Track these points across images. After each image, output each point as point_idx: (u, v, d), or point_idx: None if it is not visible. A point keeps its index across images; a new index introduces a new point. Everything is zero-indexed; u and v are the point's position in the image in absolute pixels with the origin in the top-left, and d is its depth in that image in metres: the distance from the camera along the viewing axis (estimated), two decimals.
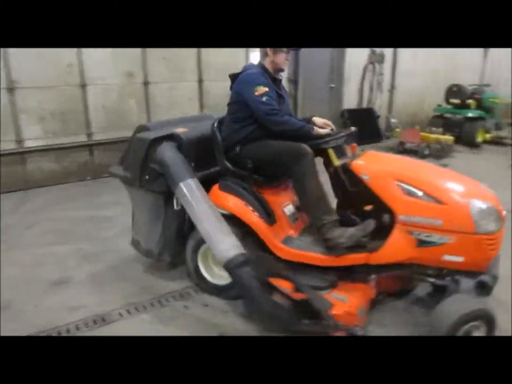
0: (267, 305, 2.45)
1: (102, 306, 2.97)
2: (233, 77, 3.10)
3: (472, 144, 8.19)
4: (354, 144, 2.93)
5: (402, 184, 2.52)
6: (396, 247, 2.53)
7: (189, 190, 2.79)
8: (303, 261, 2.76)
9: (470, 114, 8.21)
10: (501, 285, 2.60)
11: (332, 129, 3.00)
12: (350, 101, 8.54)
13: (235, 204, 2.90)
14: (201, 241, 2.93)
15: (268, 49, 2.95)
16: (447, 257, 2.43)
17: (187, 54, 6.51)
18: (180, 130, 3.13)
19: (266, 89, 2.86)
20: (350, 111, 8.42)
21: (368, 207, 2.93)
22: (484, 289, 2.43)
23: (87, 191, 5.58)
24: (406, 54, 8.91)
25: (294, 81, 7.75)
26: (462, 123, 8.26)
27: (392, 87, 9.05)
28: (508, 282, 3.04)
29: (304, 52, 7.62)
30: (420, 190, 2.48)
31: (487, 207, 2.40)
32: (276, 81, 3.08)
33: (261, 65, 3.05)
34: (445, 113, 8.56)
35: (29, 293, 3.16)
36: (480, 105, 8.46)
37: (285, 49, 2.94)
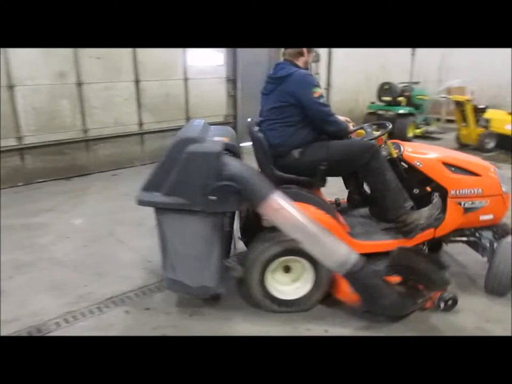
0: (394, 298, 2.64)
1: (37, 317, 2.85)
2: (277, 79, 2.89)
3: (403, 139, 8.61)
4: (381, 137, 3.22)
5: (448, 166, 3.04)
6: (452, 218, 3.03)
7: (284, 201, 2.50)
8: (377, 251, 2.88)
9: (401, 111, 8.63)
10: None
11: (353, 125, 3.20)
12: None
13: (315, 212, 2.74)
14: (270, 260, 2.78)
15: (305, 49, 2.91)
16: (482, 217, 3.09)
17: (122, 54, 6.36)
18: (225, 139, 2.79)
19: (321, 90, 2.86)
20: None
21: (427, 189, 3.18)
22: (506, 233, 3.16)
23: (18, 198, 5.30)
24: (339, 53, 9.20)
25: (233, 80, 7.77)
26: (394, 119, 8.66)
27: (328, 85, 9.31)
28: None
29: (241, 50, 7.67)
30: (462, 168, 3.06)
31: (502, 174, 3.19)
32: None
33: (296, 65, 2.92)
34: (378, 110, 8.93)
35: None
36: (410, 102, 8.92)
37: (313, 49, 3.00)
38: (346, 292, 2.74)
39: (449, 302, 2.75)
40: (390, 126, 3.13)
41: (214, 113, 7.62)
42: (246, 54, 7.79)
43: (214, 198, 2.53)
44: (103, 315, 2.89)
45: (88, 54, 6.02)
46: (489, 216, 3.10)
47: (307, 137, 2.92)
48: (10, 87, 5.49)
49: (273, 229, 2.64)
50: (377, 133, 3.21)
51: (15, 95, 5.54)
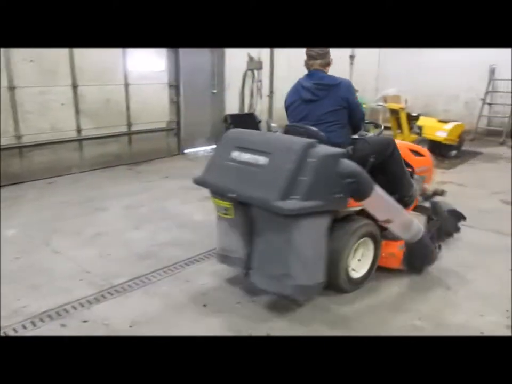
0: (434, 252, 3.58)
1: None
2: (329, 86, 3.22)
3: None
4: None
5: (412, 151, 3.95)
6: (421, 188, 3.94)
7: (380, 189, 2.98)
8: None
9: None
10: None
11: None
12: (232, 106, 8.75)
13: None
14: (354, 242, 3.16)
15: (332, 58, 3.41)
16: (425, 185, 4.04)
17: (58, 57, 6.12)
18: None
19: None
20: (233, 116, 8.62)
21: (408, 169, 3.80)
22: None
23: None
24: (281, 61, 9.39)
25: (175, 86, 7.70)
26: None
27: (271, 93, 9.46)
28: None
29: (183, 56, 7.63)
30: (417, 152, 4.03)
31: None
32: None
33: (326, 73, 3.39)
34: None
35: None
36: None
37: None
38: (394, 260, 3.45)
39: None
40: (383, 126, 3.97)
41: (156, 119, 7.51)
42: (188, 59, 7.76)
43: (341, 195, 2.77)
44: (37, 329, 2.75)
45: (21, 57, 5.75)
46: (426, 185, 4.08)
47: (350, 135, 3.38)
48: None
49: (348, 218, 3.14)
50: (377, 130, 4.02)
51: None
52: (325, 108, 3.20)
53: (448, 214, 4.11)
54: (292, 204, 2.58)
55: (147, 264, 3.64)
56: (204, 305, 3.04)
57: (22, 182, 5.95)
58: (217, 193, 3.01)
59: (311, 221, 2.70)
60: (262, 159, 2.78)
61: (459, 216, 4.24)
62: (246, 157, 2.89)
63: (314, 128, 3.12)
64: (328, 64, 3.38)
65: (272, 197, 2.59)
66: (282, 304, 3.06)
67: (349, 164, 2.78)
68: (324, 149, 2.76)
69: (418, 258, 3.45)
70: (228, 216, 3.00)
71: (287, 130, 3.35)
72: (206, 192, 5.51)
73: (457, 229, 4.22)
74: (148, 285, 3.33)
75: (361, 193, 2.86)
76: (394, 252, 3.44)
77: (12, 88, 5.75)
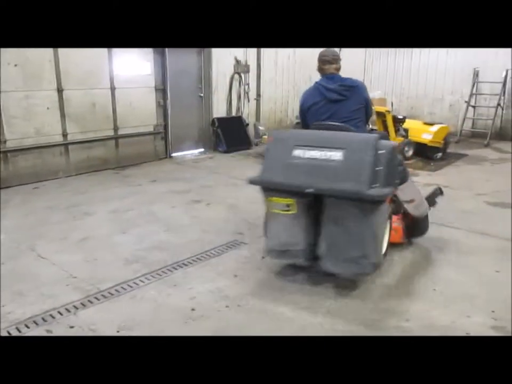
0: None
1: None
2: (351, 87, 3.60)
3: None
4: None
5: None
6: None
7: None
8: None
9: None
10: None
11: None
12: (219, 109, 8.75)
13: None
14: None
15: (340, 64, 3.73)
16: None
17: (42, 61, 6.07)
18: None
19: None
20: (220, 120, 8.63)
21: None
22: None
23: None
24: (267, 64, 9.43)
25: (162, 90, 7.68)
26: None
27: (258, 96, 9.49)
28: None
29: (170, 60, 7.62)
30: None
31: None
32: None
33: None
34: None
35: None
36: None
37: None
38: (397, 235, 3.82)
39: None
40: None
41: (143, 122, 7.48)
42: (174, 63, 7.75)
43: (397, 181, 3.20)
44: (23, 336, 2.72)
45: (6, 61, 5.69)
46: None
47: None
48: None
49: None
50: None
51: None
52: (351, 106, 3.57)
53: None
54: (378, 191, 2.89)
55: (134, 269, 3.62)
56: (192, 309, 3.03)
57: (7, 187, 5.88)
58: (281, 191, 3.12)
59: (384, 205, 3.08)
60: (335, 154, 2.98)
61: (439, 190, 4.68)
62: (314, 153, 3.05)
63: (347, 125, 3.42)
64: (340, 67, 3.73)
65: (362, 187, 2.85)
66: (270, 308, 3.07)
67: (398, 154, 3.29)
68: (386, 142, 3.16)
69: (420, 230, 4.04)
70: (290, 212, 3.13)
71: (316, 128, 3.47)
72: (192, 195, 5.54)
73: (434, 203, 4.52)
74: (135, 289, 3.30)
75: (405, 178, 3.44)
76: (395, 228, 3.79)
77: None
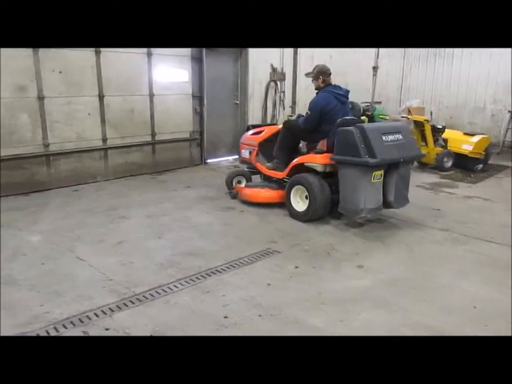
0: None
1: None
2: (347, 93, 5.32)
3: None
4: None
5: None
6: None
7: None
8: None
9: None
10: None
11: None
12: (254, 116, 8.79)
13: None
14: None
15: None
16: None
17: (85, 68, 6.27)
18: None
19: None
20: (255, 127, 8.63)
21: None
22: None
23: None
24: (303, 71, 9.38)
25: (199, 97, 7.79)
26: None
27: (294, 103, 9.48)
28: None
29: (207, 67, 7.72)
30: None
31: None
32: None
33: None
34: None
35: None
36: (372, 121, 9.16)
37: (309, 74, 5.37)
38: None
39: None
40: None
41: (179, 129, 7.60)
42: (211, 71, 7.85)
43: None
44: (60, 336, 2.78)
45: (50, 68, 5.91)
46: None
47: None
48: None
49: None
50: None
51: None
52: (347, 109, 5.23)
53: None
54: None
55: (168, 274, 3.65)
56: (225, 317, 3.03)
57: (48, 189, 6.08)
58: (383, 165, 4.55)
59: None
60: (399, 136, 4.75)
61: None
62: (391, 137, 4.67)
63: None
64: None
65: (419, 152, 5.36)
66: (302, 319, 3.03)
67: None
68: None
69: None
70: (379, 180, 4.62)
71: (343, 123, 4.73)
72: (226, 202, 5.55)
73: None
74: (169, 294, 3.33)
75: None
76: None
77: (41, 98, 5.91)
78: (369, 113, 9.15)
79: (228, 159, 8.58)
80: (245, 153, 6.03)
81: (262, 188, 5.60)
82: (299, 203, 5.09)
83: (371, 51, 10.93)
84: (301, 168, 5.14)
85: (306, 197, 4.97)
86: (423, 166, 8.10)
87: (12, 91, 5.66)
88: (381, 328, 2.93)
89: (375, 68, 11.16)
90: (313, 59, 9.55)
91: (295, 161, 5.23)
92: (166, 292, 3.37)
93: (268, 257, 4.06)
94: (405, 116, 9.00)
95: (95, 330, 2.85)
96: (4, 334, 2.76)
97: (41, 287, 3.39)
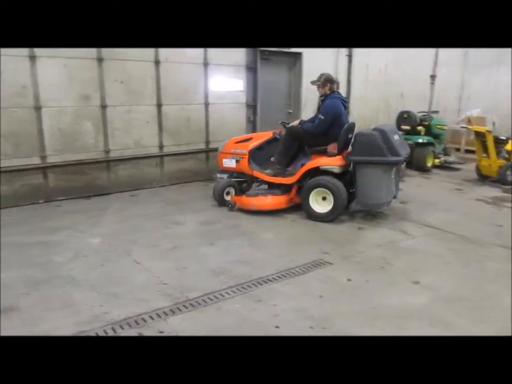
0: None
1: (52, 335, 2.85)
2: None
3: (422, 169, 8.57)
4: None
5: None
6: None
7: None
8: None
9: (420, 140, 8.60)
10: None
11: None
12: None
13: None
14: None
15: None
16: None
17: (145, 78, 6.52)
18: None
19: None
20: None
21: None
22: None
23: (37, 215, 5.39)
24: (358, 80, 9.29)
25: (253, 106, 7.88)
26: (412, 148, 8.62)
27: (347, 113, 9.34)
28: None
29: (261, 77, 7.79)
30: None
31: None
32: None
33: None
34: None
35: None
36: (429, 132, 8.89)
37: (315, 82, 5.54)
38: None
39: None
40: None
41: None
42: (266, 80, 7.91)
43: None
44: (117, 336, 2.88)
45: (113, 78, 6.20)
46: None
47: None
48: (38, 108, 5.67)
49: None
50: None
51: (42, 116, 5.71)
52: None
53: None
54: None
55: (220, 280, 3.70)
56: (276, 327, 3.02)
57: (108, 194, 6.35)
58: (399, 162, 5.12)
59: None
60: (397, 137, 5.31)
61: None
62: (396, 137, 5.23)
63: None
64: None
65: (409, 151, 5.69)
66: (354, 333, 2.96)
67: None
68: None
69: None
70: (394, 176, 5.16)
71: (350, 127, 5.51)
72: (277, 211, 5.55)
73: None
74: (221, 301, 3.37)
75: None
76: None
77: (103, 107, 6.20)
78: (426, 123, 8.90)
79: None
80: (230, 162, 5.90)
81: (265, 195, 5.58)
82: (318, 205, 5.28)
83: (429, 59, 10.61)
84: (314, 171, 5.36)
85: (323, 198, 5.28)
86: (484, 179, 7.74)
87: (77, 100, 5.98)
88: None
89: (432, 77, 10.82)
90: (368, 67, 9.43)
91: (309, 164, 5.38)
92: (218, 298, 3.41)
93: (319, 268, 4.02)
94: (464, 126, 8.66)
95: (149, 333, 2.93)
96: (66, 332, 2.90)
97: (101, 288, 3.53)
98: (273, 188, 5.69)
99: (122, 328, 2.97)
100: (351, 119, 9.44)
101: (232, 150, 5.88)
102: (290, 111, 8.59)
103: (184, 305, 3.29)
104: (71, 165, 6.08)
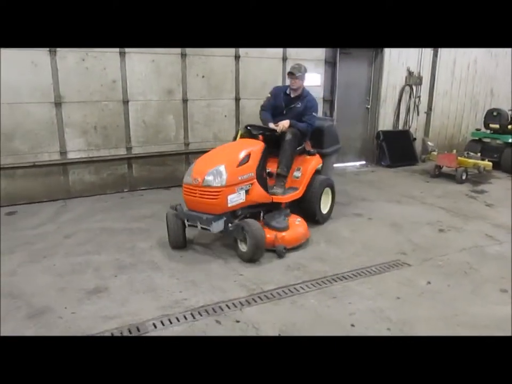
0: None
1: (137, 316, 3.03)
2: None
3: (511, 171, 7.97)
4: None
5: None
6: None
7: None
8: None
9: (510, 140, 8.00)
10: None
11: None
12: (385, 122, 8.50)
13: None
14: None
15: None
16: None
17: (225, 73, 6.67)
18: None
19: (269, 95, 5.04)
20: (386, 133, 8.37)
21: None
22: None
23: (123, 203, 5.73)
24: (443, 76, 8.82)
25: (330, 101, 7.77)
26: (501, 148, 8.05)
27: (430, 109, 8.94)
28: None
29: (340, 72, 7.66)
30: None
31: None
32: (287, 96, 4.91)
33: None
34: (484, 137, 8.37)
35: (64, 300, 3.25)
36: None
37: (288, 74, 4.85)
38: None
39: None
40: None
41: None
42: (345, 74, 7.77)
43: None
44: (196, 322, 2.99)
45: (195, 73, 6.40)
46: None
47: None
48: (125, 102, 6.00)
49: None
50: None
51: (128, 109, 6.04)
52: None
53: None
54: None
55: (295, 275, 3.70)
56: (352, 325, 2.97)
57: None
58: None
59: None
60: None
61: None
62: None
63: None
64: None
65: None
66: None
67: None
68: None
69: None
70: None
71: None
72: (353, 209, 5.45)
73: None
74: (295, 295, 3.38)
75: None
76: None
77: (185, 101, 6.43)
78: None
79: (354, 165, 8.43)
80: (238, 197, 4.03)
81: (286, 219, 4.31)
82: (322, 205, 5.02)
83: None
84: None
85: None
86: None
87: (161, 94, 6.25)
88: None
89: None
90: (454, 63, 8.92)
91: (312, 168, 4.91)
92: (292, 292, 3.42)
93: (397, 269, 3.89)
94: None
95: (226, 321, 3.00)
96: (149, 316, 3.06)
97: (180, 275, 3.67)
98: (278, 208, 4.52)
99: (201, 315, 3.07)
100: (434, 116, 9.13)
101: (239, 178, 4.04)
102: (368, 106, 8.37)
103: (259, 297, 3.34)
104: (154, 156, 6.37)
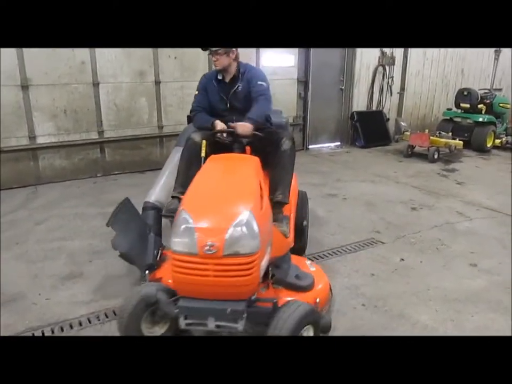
0: None
1: (113, 301, 3.00)
2: None
3: (481, 149, 8.16)
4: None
5: None
6: None
7: None
8: None
9: (480, 119, 8.17)
10: None
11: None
12: (359, 102, 8.55)
13: None
14: None
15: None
16: None
17: (198, 54, 6.54)
18: None
19: (196, 92, 3.56)
20: (360, 113, 8.43)
21: None
22: None
23: (96, 188, 5.63)
24: (415, 56, 8.91)
25: (304, 82, 7.76)
26: (472, 128, 8.22)
27: (402, 90, 9.03)
28: None
29: (314, 53, 7.63)
30: None
31: None
32: (221, 82, 3.41)
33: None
34: (455, 117, 8.52)
35: (38, 286, 3.21)
36: (490, 110, 8.41)
37: (209, 49, 3.25)
38: None
39: None
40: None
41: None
42: (318, 55, 7.75)
43: None
44: None
45: (166, 54, 6.27)
46: None
47: None
48: (96, 85, 5.85)
49: None
50: None
51: (99, 91, 5.89)
52: None
53: None
54: None
55: None
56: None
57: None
58: None
59: None
60: None
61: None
62: None
63: None
64: None
65: None
66: (408, 314, 2.91)
67: None
68: None
69: None
70: None
71: None
72: (328, 189, 5.49)
73: None
74: None
75: None
76: None
77: (157, 83, 6.31)
78: (488, 101, 8.44)
79: (329, 146, 8.48)
80: (266, 262, 2.36)
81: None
82: None
83: None
84: None
85: None
86: None
87: (133, 76, 6.11)
88: (497, 334, 2.71)
89: (497, 52, 10.18)
90: None
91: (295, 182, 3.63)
92: None
93: (371, 247, 3.97)
94: None
95: None
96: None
97: None
98: None
99: None
100: (407, 96, 9.23)
101: (268, 227, 2.53)
102: (342, 87, 8.39)
103: None
104: (127, 140, 6.26)
